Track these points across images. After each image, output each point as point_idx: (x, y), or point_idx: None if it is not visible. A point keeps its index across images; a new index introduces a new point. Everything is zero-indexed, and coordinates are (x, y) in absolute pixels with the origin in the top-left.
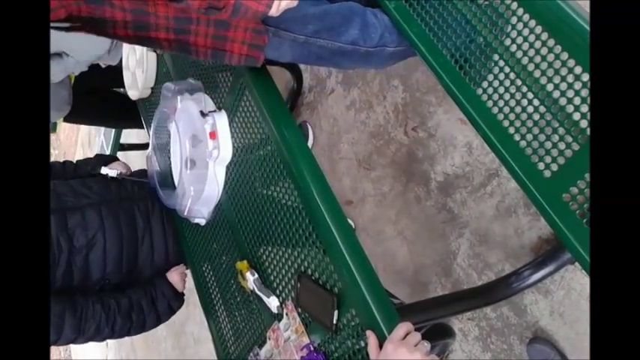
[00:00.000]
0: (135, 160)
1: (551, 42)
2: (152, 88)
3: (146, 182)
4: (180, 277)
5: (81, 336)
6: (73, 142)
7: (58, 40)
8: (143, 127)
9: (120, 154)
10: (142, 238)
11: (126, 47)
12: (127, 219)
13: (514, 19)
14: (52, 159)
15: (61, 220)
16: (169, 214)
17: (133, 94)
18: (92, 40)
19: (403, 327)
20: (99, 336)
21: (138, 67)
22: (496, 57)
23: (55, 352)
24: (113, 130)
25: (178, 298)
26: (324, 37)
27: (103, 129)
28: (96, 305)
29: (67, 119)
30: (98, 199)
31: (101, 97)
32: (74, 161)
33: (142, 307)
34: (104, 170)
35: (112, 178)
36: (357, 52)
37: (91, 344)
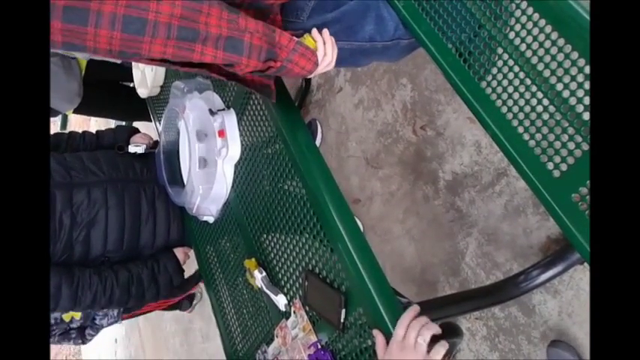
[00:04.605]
0: None
1: (561, 41)
2: (161, 87)
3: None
4: (185, 257)
5: (77, 306)
6: None
7: None
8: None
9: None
10: (145, 221)
11: None
12: (132, 201)
13: (524, 18)
14: None
15: (66, 196)
16: None
17: (143, 92)
18: None
19: (404, 322)
20: (96, 305)
21: (147, 66)
22: (505, 56)
23: (65, 350)
24: (124, 123)
25: (180, 274)
26: (342, 38)
27: (113, 121)
28: (93, 276)
29: (77, 111)
30: (106, 178)
31: (112, 89)
32: (94, 132)
33: (141, 280)
34: (132, 149)
35: (127, 153)
36: (375, 48)
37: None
